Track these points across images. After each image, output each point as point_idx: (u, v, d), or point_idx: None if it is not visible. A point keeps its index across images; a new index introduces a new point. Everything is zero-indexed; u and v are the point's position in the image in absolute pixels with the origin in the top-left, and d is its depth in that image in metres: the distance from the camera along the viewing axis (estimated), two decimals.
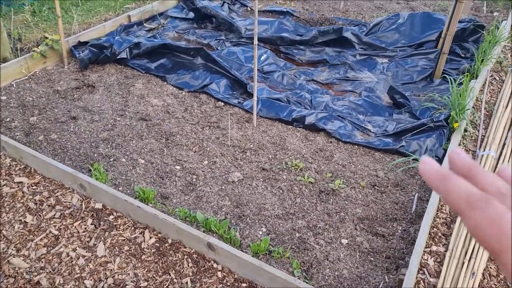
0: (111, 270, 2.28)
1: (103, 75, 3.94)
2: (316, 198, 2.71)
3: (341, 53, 4.36)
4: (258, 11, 5.24)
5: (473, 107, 3.45)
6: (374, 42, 4.44)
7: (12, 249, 2.38)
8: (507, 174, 0.40)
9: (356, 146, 3.15)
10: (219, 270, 2.26)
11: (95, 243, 2.42)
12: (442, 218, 2.55)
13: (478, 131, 3.25)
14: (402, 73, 4.05)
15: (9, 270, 2.27)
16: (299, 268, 2.26)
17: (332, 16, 5.26)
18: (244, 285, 2.20)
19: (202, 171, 2.90)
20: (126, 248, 2.39)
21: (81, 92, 3.71)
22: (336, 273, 2.25)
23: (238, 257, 2.18)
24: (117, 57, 4.03)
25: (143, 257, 2.34)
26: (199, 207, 2.62)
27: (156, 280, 2.23)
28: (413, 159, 2.98)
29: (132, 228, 2.50)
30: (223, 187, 2.77)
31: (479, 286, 2.14)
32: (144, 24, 4.86)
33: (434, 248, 2.37)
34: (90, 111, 3.47)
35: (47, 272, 2.26)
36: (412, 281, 2.08)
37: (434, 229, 2.47)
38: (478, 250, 2.26)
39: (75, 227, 2.51)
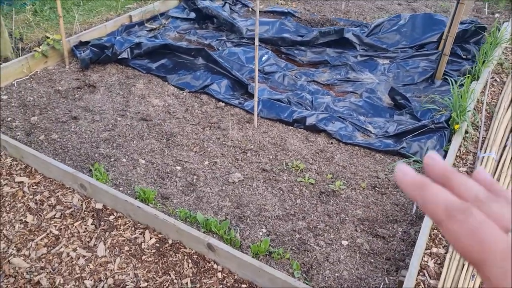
0: (111, 270, 2.28)
1: (104, 75, 3.95)
2: (316, 199, 2.71)
3: (342, 54, 4.36)
4: (260, 11, 5.24)
5: (474, 108, 3.45)
6: (375, 43, 4.44)
7: (13, 249, 2.39)
8: (482, 178, 0.39)
9: (357, 147, 3.15)
10: (219, 271, 2.27)
11: (95, 243, 2.42)
12: None
13: (479, 132, 3.25)
14: (403, 74, 4.05)
15: (9, 269, 2.27)
16: (299, 269, 2.26)
17: (334, 17, 5.26)
18: (244, 286, 2.20)
19: (203, 171, 2.91)
20: (126, 248, 2.39)
21: (82, 92, 3.72)
22: (336, 274, 2.25)
23: (238, 258, 2.18)
24: (118, 57, 4.03)
25: (143, 257, 2.34)
26: (199, 208, 2.62)
27: (156, 280, 2.23)
28: (413, 161, 2.98)
29: (133, 228, 2.50)
30: (224, 188, 2.77)
31: None
32: (146, 24, 4.86)
33: (434, 250, 2.37)
34: (91, 111, 3.47)
35: (47, 272, 2.27)
36: (412, 282, 2.08)
37: (435, 230, 2.47)
38: None
39: (76, 227, 2.52)
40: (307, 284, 2.17)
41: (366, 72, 4.09)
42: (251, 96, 3.60)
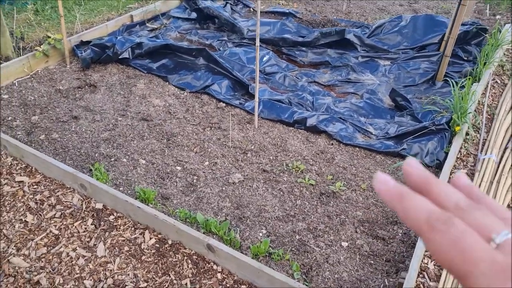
0: (110, 270, 2.28)
1: (105, 75, 3.95)
2: (316, 200, 2.70)
3: (343, 55, 4.36)
4: (261, 12, 5.24)
5: (475, 110, 3.44)
6: (376, 44, 4.44)
7: (12, 249, 2.39)
8: (462, 183, 0.38)
9: (357, 149, 3.15)
10: (219, 272, 2.26)
11: (95, 243, 2.42)
12: None
13: (480, 134, 3.25)
14: (404, 75, 4.04)
15: (9, 269, 2.27)
16: (299, 270, 2.26)
17: (335, 17, 5.26)
18: (243, 287, 2.20)
19: (203, 172, 2.90)
20: (126, 248, 2.39)
21: (83, 92, 3.72)
22: (336, 276, 2.24)
23: (238, 259, 2.18)
24: (119, 57, 4.03)
25: (143, 257, 2.34)
26: (199, 208, 2.62)
27: (156, 281, 2.23)
28: None
29: (132, 228, 2.50)
30: (224, 188, 2.77)
31: None
32: (147, 24, 4.86)
33: None
34: (92, 110, 3.47)
35: (47, 272, 2.27)
36: (412, 284, 2.07)
37: None
38: None
39: (76, 227, 2.52)
40: (306, 285, 2.17)
41: (367, 73, 4.09)
42: (252, 96, 3.60)
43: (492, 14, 5.49)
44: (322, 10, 5.52)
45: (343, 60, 4.26)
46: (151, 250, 2.38)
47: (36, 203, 2.66)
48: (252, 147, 3.14)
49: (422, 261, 2.29)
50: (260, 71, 3.97)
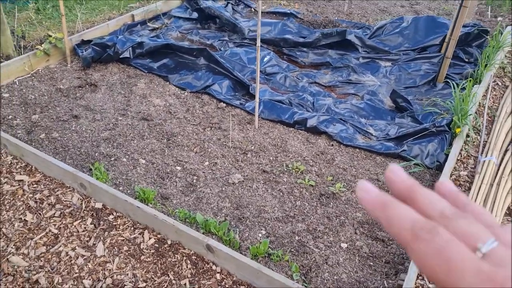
0: (109, 270, 2.28)
1: (105, 74, 3.95)
2: (316, 201, 2.70)
3: (344, 56, 4.35)
4: (262, 12, 5.24)
5: (475, 112, 3.44)
6: (377, 45, 4.43)
7: (12, 247, 2.39)
8: (448, 190, 0.37)
9: (358, 150, 3.15)
10: (218, 272, 2.26)
11: (94, 242, 2.42)
12: None
13: (480, 136, 3.24)
14: (405, 77, 4.04)
15: (8, 268, 2.27)
16: (298, 271, 2.25)
17: (336, 18, 5.26)
18: (242, 287, 2.19)
19: (203, 172, 2.90)
20: (125, 248, 2.39)
21: (84, 91, 3.72)
22: (335, 277, 2.24)
23: (237, 259, 2.18)
24: (120, 56, 4.03)
25: (142, 257, 2.34)
26: (199, 208, 2.62)
27: (155, 281, 2.23)
28: (414, 164, 2.97)
29: (132, 228, 2.50)
30: (224, 189, 2.77)
31: None
32: (148, 24, 4.86)
33: None
34: (92, 110, 3.47)
35: (46, 271, 2.26)
36: (411, 286, 2.07)
37: None
38: None
39: (75, 226, 2.51)
40: (305, 286, 2.17)
41: (368, 74, 4.09)
42: (252, 97, 3.60)
43: (494, 16, 5.48)
44: (323, 11, 5.52)
45: (344, 61, 4.26)
46: (150, 250, 2.38)
47: (36, 202, 2.66)
48: (252, 147, 3.14)
49: None
50: (261, 71, 3.97)
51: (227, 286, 2.20)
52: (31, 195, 2.70)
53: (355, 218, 2.59)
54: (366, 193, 0.37)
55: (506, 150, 3.03)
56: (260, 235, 2.46)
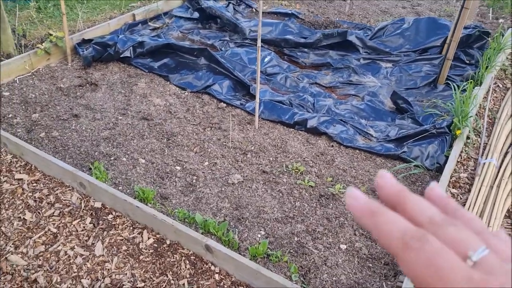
0: (108, 269, 2.28)
1: (106, 74, 3.95)
2: (316, 202, 2.70)
3: (345, 57, 4.35)
4: (263, 12, 5.23)
5: (476, 114, 3.43)
6: (378, 47, 4.43)
7: (10, 246, 2.38)
8: (437, 195, 0.36)
9: (358, 151, 3.14)
10: (217, 273, 2.26)
11: (93, 242, 2.42)
12: None
13: (481, 138, 3.24)
14: (405, 78, 4.04)
15: (6, 267, 2.27)
16: (297, 272, 2.25)
17: (337, 19, 5.25)
18: None
19: (202, 172, 2.90)
20: (124, 248, 2.39)
21: (84, 90, 3.71)
22: (334, 278, 2.24)
23: (236, 260, 2.17)
24: (121, 56, 4.03)
25: (141, 257, 2.34)
26: (198, 209, 2.61)
27: (153, 281, 2.22)
28: (414, 166, 2.97)
29: (131, 228, 2.50)
30: (223, 189, 2.76)
31: None
32: (149, 23, 4.86)
33: None
34: (92, 109, 3.47)
35: (44, 270, 2.26)
36: None
37: None
38: None
39: (74, 225, 2.51)
40: (304, 287, 2.16)
41: (368, 75, 4.08)
42: (253, 97, 3.60)
43: (495, 18, 5.47)
44: (324, 12, 5.51)
45: (345, 62, 4.25)
46: (149, 250, 2.37)
47: (35, 201, 2.66)
48: (252, 148, 3.13)
49: None
50: (261, 71, 3.97)
51: (225, 286, 2.20)
52: (30, 194, 2.70)
53: (354, 219, 2.58)
54: (354, 200, 0.36)
55: (506, 152, 3.02)
56: (259, 235, 2.46)
